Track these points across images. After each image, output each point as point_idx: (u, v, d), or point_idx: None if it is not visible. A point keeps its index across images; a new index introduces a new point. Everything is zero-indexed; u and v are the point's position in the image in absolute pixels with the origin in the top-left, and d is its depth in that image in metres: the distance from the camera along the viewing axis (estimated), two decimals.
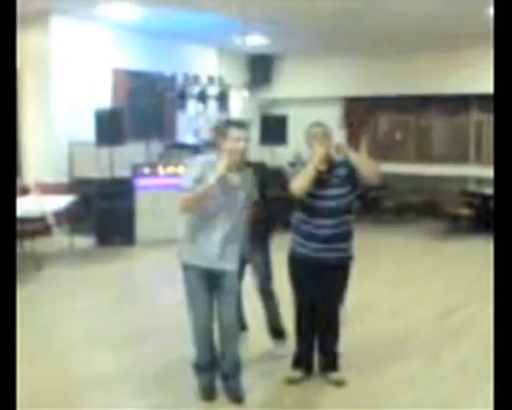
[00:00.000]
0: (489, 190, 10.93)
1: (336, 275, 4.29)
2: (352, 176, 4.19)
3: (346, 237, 4.27)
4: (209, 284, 4.01)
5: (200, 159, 4.09)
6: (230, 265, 4.03)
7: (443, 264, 8.71)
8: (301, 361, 4.48)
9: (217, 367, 4.17)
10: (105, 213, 9.31)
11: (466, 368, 4.76)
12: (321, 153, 4.11)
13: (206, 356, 4.12)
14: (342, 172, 4.21)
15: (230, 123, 4.16)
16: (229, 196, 3.93)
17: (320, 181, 4.17)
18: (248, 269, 4.87)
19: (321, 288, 4.30)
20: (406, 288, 7.22)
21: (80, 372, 4.60)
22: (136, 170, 9.55)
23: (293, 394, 4.28)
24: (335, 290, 4.33)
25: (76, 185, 9.67)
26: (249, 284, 4.97)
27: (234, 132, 3.90)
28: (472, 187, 11.33)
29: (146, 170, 9.64)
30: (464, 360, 4.93)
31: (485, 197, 11.01)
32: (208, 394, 4.10)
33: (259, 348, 4.97)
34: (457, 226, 10.84)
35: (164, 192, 9.55)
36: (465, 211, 10.69)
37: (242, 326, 5.02)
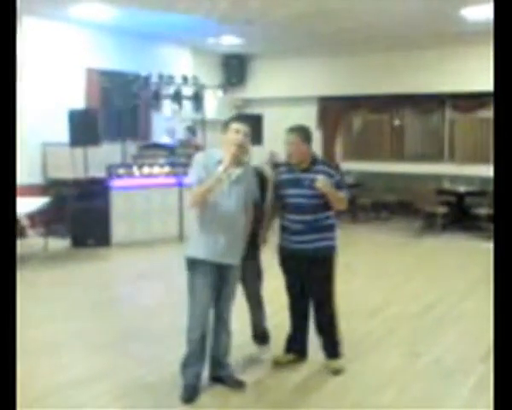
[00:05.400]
0: (463, 188, 11.05)
1: (315, 266, 4.43)
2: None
3: (321, 231, 4.42)
4: (215, 277, 4.09)
5: (202, 156, 4.19)
6: (236, 258, 4.18)
7: (420, 261, 8.77)
8: (292, 345, 4.67)
9: (204, 361, 4.23)
10: (80, 215, 9.19)
11: (444, 364, 4.78)
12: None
13: (199, 347, 4.14)
14: (319, 177, 4.31)
15: (233, 117, 4.38)
16: (232, 189, 4.05)
17: (294, 181, 4.42)
18: None
19: (302, 277, 4.51)
20: (385, 284, 7.24)
21: (61, 374, 4.51)
22: (111, 170, 9.45)
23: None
24: (316, 280, 4.47)
25: (50, 186, 9.55)
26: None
27: (234, 125, 4.07)
28: (447, 185, 11.42)
29: (121, 170, 9.55)
30: (442, 355, 4.95)
31: (459, 195, 11.12)
32: (190, 392, 4.06)
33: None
34: (433, 224, 10.92)
35: (139, 193, 9.48)
36: (440, 209, 10.78)
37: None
